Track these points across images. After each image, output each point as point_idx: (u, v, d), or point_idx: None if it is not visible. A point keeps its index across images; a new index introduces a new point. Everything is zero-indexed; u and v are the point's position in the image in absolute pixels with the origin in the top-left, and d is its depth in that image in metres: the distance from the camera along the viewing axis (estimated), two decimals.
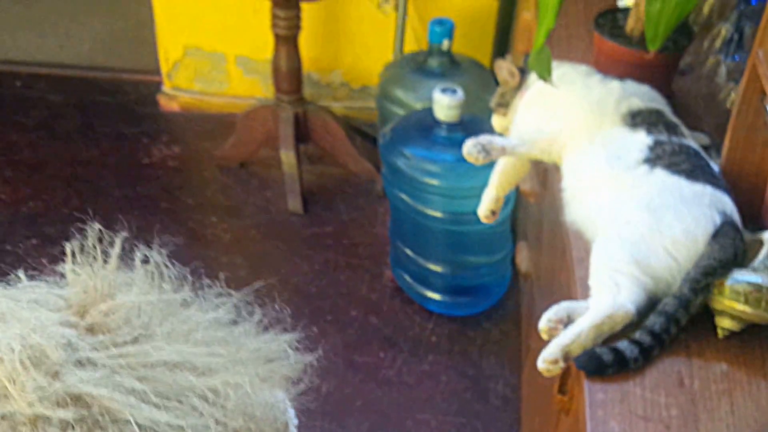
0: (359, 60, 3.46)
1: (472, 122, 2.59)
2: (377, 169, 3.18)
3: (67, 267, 0.76)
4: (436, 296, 2.80)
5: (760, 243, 1.45)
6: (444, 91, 2.52)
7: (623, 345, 1.38)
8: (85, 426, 0.64)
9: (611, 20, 1.86)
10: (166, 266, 0.79)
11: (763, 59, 1.41)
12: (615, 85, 1.70)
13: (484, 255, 2.77)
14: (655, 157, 1.57)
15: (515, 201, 2.75)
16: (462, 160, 2.51)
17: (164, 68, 3.56)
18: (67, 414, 0.64)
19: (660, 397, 1.34)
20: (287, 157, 3.12)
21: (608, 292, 1.43)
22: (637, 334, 1.39)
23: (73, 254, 0.76)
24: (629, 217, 1.50)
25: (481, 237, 2.71)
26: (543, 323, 1.46)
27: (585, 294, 1.49)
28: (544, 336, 1.46)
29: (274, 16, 3.01)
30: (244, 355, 0.75)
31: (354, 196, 3.24)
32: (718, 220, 1.46)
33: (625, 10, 1.86)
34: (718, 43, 1.82)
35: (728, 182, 1.55)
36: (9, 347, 0.67)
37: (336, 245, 3.03)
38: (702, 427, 1.30)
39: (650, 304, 1.43)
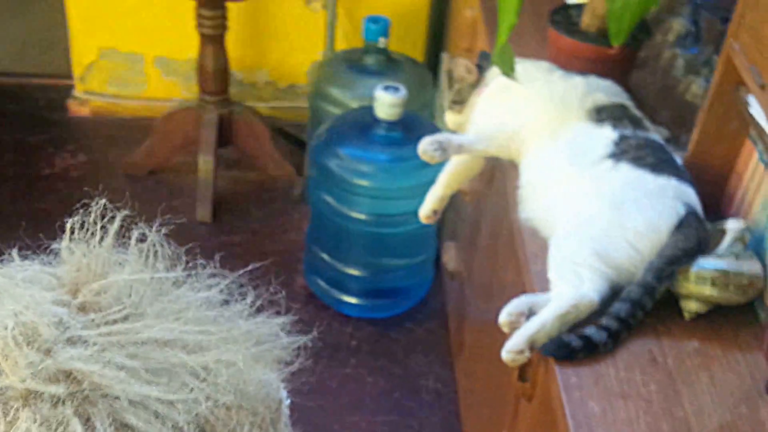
0: (286, 58, 3.52)
1: (412, 120, 2.68)
2: (298, 172, 3.24)
3: (63, 244, 0.79)
4: (353, 300, 2.85)
5: (723, 232, 1.56)
6: (386, 88, 2.59)
7: (591, 330, 1.47)
8: (75, 401, 0.67)
9: (565, 17, 1.96)
10: (161, 245, 0.82)
11: (739, 51, 1.51)
12: (578, 81, 1.79)
13: (405, 257, 2.85)
14: (620, 152, 1.66)
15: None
16: (396, 159, 2.62)
17: (76, 71, 3.56)
18: (59, 389, 0.67)
19: (635, 375, 1.44)
20: (205, 162, 3.14)
21: (571, 284, 1.52)
22: (604, 320, 1.48)
23: (72, 231, 0.80)
24: (591, 212, 1.60)
25: (404, 239, 2.79)
26: (503, 317, 1.53)
27: (541, 287, 1.58)
28: (505, 329, 1.53)
29: (200, 16, 3.06)
30: (236, 334, 0.78)
31: (268, 202, 3.27)
32: (682, 211, 1.57)
33: (578, 7, 1.96)
34: (670, 37, 1.94)
35: (692, 173, 1.66)
36: (2, 324, 0.71)
37: (245, 254, 3.02)
38: (685, 400, 1.40)
39: (613, 293, 1.53)
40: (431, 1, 3.31)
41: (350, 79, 3.02)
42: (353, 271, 2.81)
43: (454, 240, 2.74)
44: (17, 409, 0.67)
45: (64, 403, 0.67)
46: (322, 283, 2.86)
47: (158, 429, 0.68)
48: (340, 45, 3.38)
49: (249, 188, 3.33)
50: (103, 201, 0.83)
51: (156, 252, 0.82)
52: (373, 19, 2.96)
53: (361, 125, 2.69)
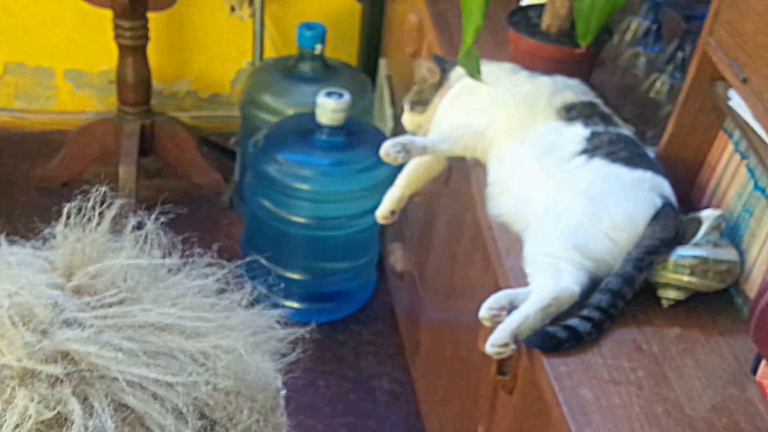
0: (209, 68, 3.53)
1: (354, 125, 2.73)
2: (226, 180, 3.27)
3: (58, 228, 0.80)
4: (295, 305, 2.87)
5: (697, 222, 1.64)
6: (329, 94, 2.63)
7: (574, 322, 1.53)
8: (72, 381, 0.68)
9: (524, 18, 2.02)
10: (157, 233, 0.84)
11: (716, 46, 1.60)
12: (545, 81, 1.86)
13: (347, 260, 2.89)
14: (593, 148, 1.73)
15: None
16: (338, 163, 2.66)
17: None
18: (56, 369, 0.68)
19: (622, 362, 1.51)
20: (126, 172, 3.12)
21: (550, 276, 1.57)
22: (586, 311, 1.55)
23: (68, 216, 0.81)
24: (567, 205, 1.66)
25: (345, 242, 2.83)
26: (484, 311, 1.58)
27: (516, 282, 1.64)
28: (486, 323, 1.58)
29: (117, 27, 3.04)
30: (234, 322, 0.80)
31: (194, 210, 3.26)
32: (658, 203, 1.65)
33: (536, 8, 2.03)
34: (630, 36, 2.03)
35: (664, 165, 1.74)
36: None
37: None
38: (674, 384, 1.48)
39: (593, 284, 1.59)
40: (363, 6, 3.35)
41: (285, 86, 3.04)
42: (294, 275, 2.83)
43: (400, 241, 2.79)
44: (14, 388, 0.68)
45: (61, 382, 0.68)
46: (261, 289, 2.85)
47: (157, 410, 0.69)
48: (268, 53, 3.41)
49: (173, 197, 3.30)
50: (103, 188, 0.85)
51: (152, 239, 0.83)
52: (308, 26, 2.99)
53: (302, 131, 2.73)
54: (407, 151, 1.88)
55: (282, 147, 2.71)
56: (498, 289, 1.65)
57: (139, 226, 0.83)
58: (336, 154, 2.70)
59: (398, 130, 2.93)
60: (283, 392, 0.89)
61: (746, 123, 1.56)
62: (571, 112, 1.80)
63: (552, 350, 1.52)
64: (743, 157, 1.66)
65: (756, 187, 1.61)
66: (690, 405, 1.45)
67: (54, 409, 0.67)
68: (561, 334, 1.52)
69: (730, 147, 1.70)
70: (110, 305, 0.74)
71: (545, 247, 1.62)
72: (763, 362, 1.46)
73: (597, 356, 1.52)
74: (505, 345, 1.54)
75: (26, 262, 0.78)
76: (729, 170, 1.70)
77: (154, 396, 0.70)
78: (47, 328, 0.70)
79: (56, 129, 3.48)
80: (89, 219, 0.81)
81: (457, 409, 2.19)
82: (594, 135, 1.75)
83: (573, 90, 1.84)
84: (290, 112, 2.95)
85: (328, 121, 2.65)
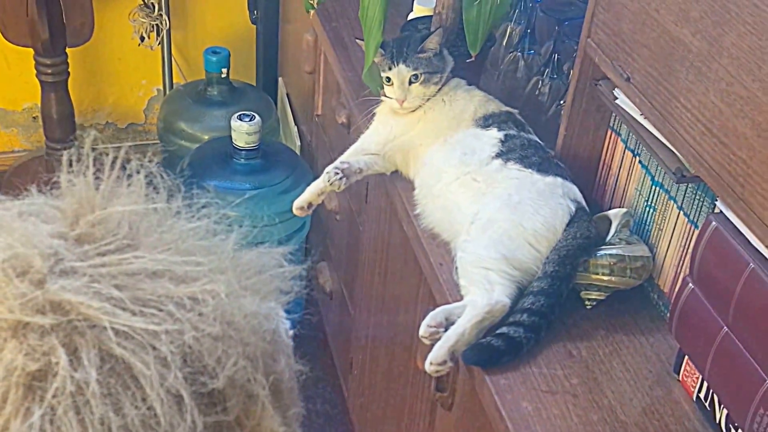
0: (123, 98, 3.40)
1: (267, 146, 2.63)
2: None
3: (62, 176, 0.74)
4: None
5: (607, 221, 1.57)
6: (241, 117, 2.53)
7: (504, 329, 1.45)
8: (63, 332, 0.65)
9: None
10: (159, 176, 0.78)
11: (596, 48, 1.53)
12: (477, 93, 1.78)
13: None
14: (507, 151, 1.65)
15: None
16: (260, 187, 2.52)
17: None
18: (45, 320, 0.64)
19: (557, 370, 1.44)
20: None
21: (483, 288, 1.49)
22: (518, 316, 1.46)
23: (70, 163, 0.74)
24: (492, 216, 1.57)
25: None
26: (423, 330, 1.49)
27: (452, 294, 1.56)
28: (426, 341, 1.49)
29: (39, 64, 2.93)
30: (226, 264, 0.74)
31: None
32: (573, 208, 1.57)
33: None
34: (507, 42, 1.95)
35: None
36: None
37: None
38: (606, 388, 1.42)
39: (521, 293, 1.51)
40: (257, 28, 3.22)
41: (197, 112, 2.93)
42: None
43: (326, 260, 2.68)
44: (5, 340, 0.64)
45: (50, 333, 0.64)
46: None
47: (142, 359, 0.65)
48: (175, 79, 3.30)
49: None
50: (93, 132, 0.79)
51: (154, 183, 0.77)
52: (213, 50, 2.89)
53: (222, 156, 2.61)
54: (347, 177, 1.77)
55: (206, 175, 2.58)
56: (434, 303, 1.58)
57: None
58: (255, 177, 2.57)
59: (305, 147, 2.82)
60: (291, 332, 0.85)
61: (635, 120, 1.48)
62: (488, 120, 1.72)
63: (491, 365, 1.43)
64: (634, 153, 1.59)
65: (653, 182, 1.54)
66: (623, 410, 1.39)
67: (40, 360, 0.63)
68: (496, 343, 1.43)
69: (621, 144, 1.63)
70: (105, 254, 0.69)
71: (475, 259, 1.53)
72: (686, 360, 1.40)
73: (533, 366, 1.44)
74: (443, 363, 1.45)
75: (38, 211, 0.72)
76: (625, 167, 1.63)
77: (140, 345, 0.65)
78: (44, 278, 0.66)
79: None
80: (88, 166, 0.74)
81: (394, 428, 2.08)
82: (508, 137, 1.68)
83: (498, 101, 1.77)
84: (206, 137, 2.84)
85: (244, 144, 2.54)
